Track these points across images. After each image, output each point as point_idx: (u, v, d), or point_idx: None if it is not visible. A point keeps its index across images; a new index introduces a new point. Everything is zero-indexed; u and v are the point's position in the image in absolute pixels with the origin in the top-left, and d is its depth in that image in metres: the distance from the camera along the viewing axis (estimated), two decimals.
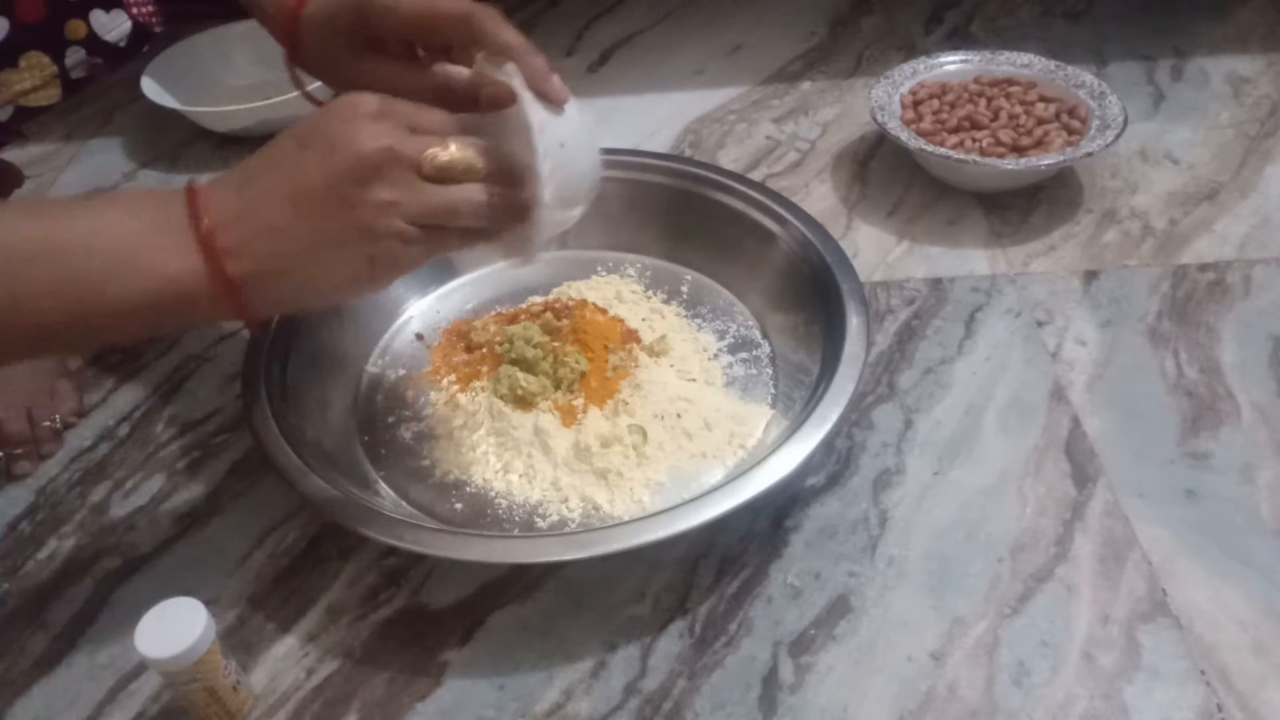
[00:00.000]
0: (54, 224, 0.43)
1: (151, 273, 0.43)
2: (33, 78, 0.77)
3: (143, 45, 0.87)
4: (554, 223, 0.50)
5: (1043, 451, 0.63)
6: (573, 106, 0.49)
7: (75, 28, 0.80)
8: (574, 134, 0.49)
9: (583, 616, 0.56)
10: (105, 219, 0.43)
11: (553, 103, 0.48)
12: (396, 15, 0.52)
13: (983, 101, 0.85)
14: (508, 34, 0.49)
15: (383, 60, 0.55)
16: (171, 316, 0.44)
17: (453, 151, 0.45)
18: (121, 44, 0.84)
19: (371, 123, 0.44)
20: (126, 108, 1.04)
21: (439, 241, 0.47)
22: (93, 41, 0.81)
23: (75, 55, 0.80)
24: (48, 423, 0.68)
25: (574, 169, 0.49)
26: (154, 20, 0.90)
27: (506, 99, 0.47)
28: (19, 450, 0.67)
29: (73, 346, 0.67)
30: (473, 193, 0.46)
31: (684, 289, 0.75)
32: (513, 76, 0.48)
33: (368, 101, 0.45)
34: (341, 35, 0.54)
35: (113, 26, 0.82)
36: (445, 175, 0.45)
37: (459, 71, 0.51)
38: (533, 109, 0.47)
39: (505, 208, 0.47)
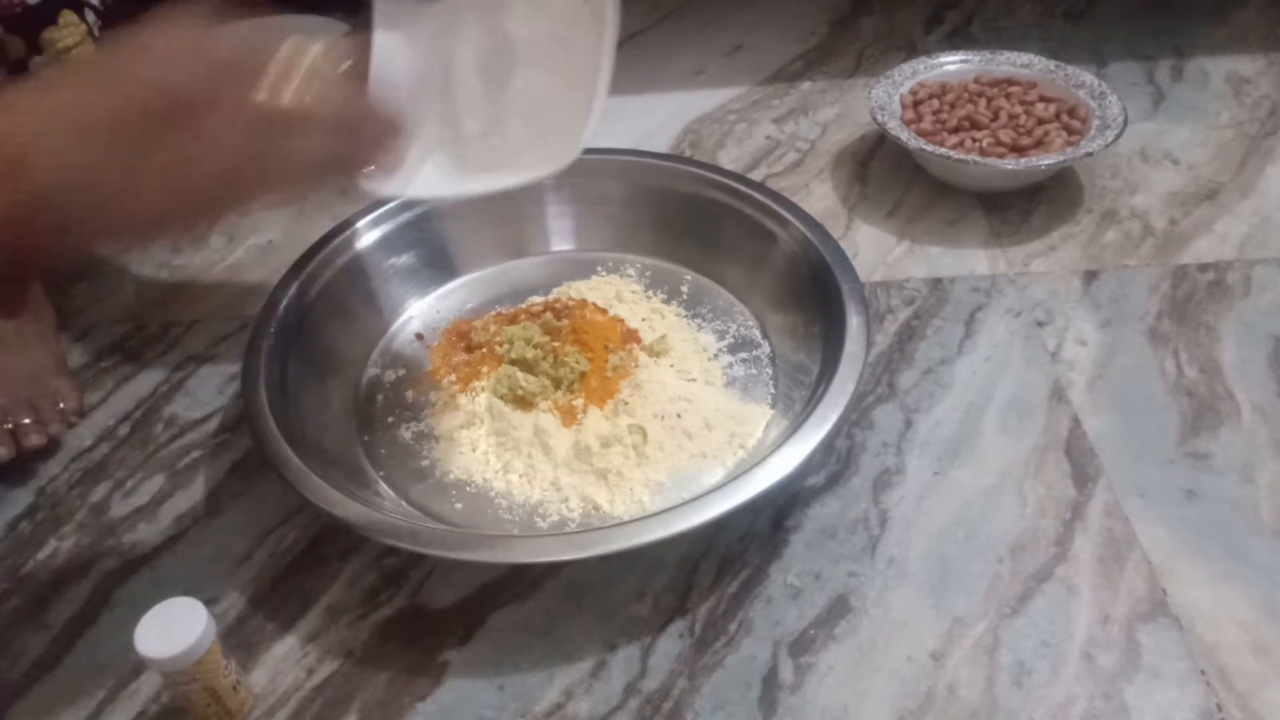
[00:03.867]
0: None
1: None
2: (73, 34, 0.76)
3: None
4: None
5: (1043, 451, 0.63)
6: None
7: None
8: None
9: (583, 616, 0.56)
10: None
11: None
12: None
13: (983, 101, 0.85)
14: None
15: None
16: None
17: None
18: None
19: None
20: None
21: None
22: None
23: (90, 15, 0.79)
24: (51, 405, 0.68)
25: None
26: None
27: None
28: (26, 421, 0.65)
29: None
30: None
31: (684, 289, 0.75)
32: None
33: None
34: None
35: None
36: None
37: None
38: None
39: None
